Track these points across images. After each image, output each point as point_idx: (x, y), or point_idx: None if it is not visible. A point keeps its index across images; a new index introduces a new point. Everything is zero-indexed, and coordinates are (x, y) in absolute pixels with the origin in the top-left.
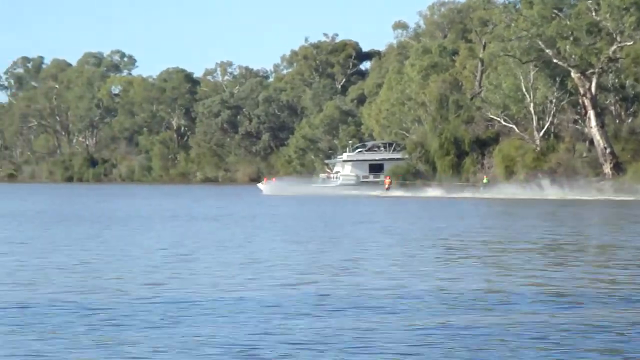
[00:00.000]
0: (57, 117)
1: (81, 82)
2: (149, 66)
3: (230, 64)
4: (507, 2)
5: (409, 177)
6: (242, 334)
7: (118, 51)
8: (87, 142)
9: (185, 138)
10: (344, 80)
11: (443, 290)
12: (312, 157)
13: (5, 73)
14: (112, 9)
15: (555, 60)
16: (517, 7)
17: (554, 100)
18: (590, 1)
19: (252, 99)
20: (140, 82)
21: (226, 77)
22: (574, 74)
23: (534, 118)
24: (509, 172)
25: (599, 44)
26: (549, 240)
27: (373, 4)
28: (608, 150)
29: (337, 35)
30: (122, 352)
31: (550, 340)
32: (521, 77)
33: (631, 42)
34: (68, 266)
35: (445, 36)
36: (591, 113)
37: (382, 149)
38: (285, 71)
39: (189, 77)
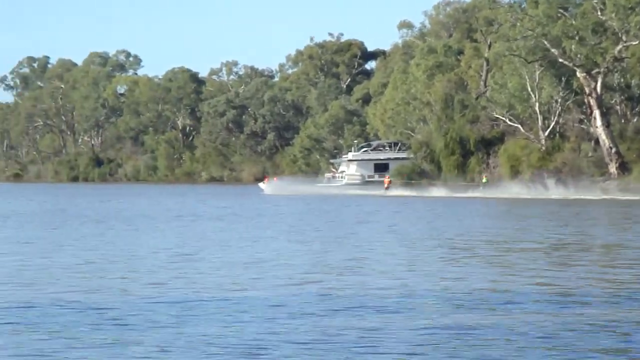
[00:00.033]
0: (63, 117)
1: (87, 82)
2: (155, 66)
3: (235, 64)
4: (512, 1)
5: (414, 176)
6: (247, 333)
7: (123, 51)
8: (93, 142)
9: (191, 138)
10: (349, 79)
11: (448, 290)
12: (318, 156)
13: (11, 73)
14: (118, 8)
15: (560, 60)
16: (523, 6)
17: (559, 100)
18: (595, 1)
19: (258, 99)
20: (146, 82)
21: (231, 77)
22: (579, 74)
23: (540, 118)
24: (515, 172)
25: (605, 44)
26: (554, 240)
27: (378, 4)
28: (613, 150)
29: (342, 34)
30: (127, 352)
31: (555, 340)
32: (526, 77)
33: (637, 42)
34: (73, 266)
35: (450, 36)
36: (597, 113)
37: (387, 148)
38: (290, 71)
39: (194, 77)
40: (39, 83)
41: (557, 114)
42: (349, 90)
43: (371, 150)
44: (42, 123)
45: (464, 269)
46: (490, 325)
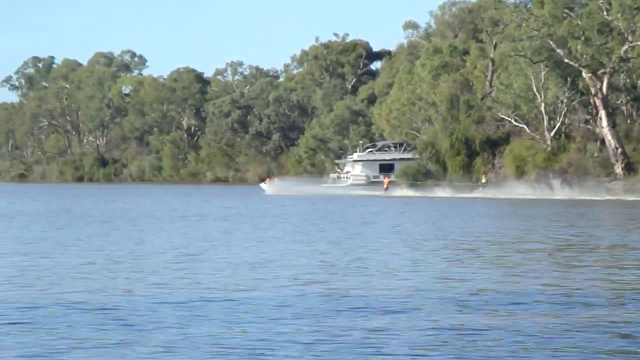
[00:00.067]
0: (68, 117)
1: (92, 82)
2: (160, 66)
3: (240, 64)
4: (518, 1)
5: (419, 177)
6: (252, 334)
7: (129, 51)
8: (98, 142)
9: (196, 138)
10: (354, 80)
11: (453, 291)
12: (323, 157)
13: (16, 73)
14: (123, 9)
15: (566, 60)
16: (528, 6)
17: (565, 100)
18: (601, 1)
19: (263, 99)
20: (151, 82)
21: (236, 77)
22: (585, 74)
23: (545, 118)
24: (520, 173)
25: (611, 44)
26: (558, 240)
27: (383, 4)
28: (619, 151)
29: (347, 35)
30: (132, 352)
31: (560, 342)
32: (532, 77)
33: None
34: (78, 266)
35: (456, 36)
36: (602, 113)
37: (393, 149)
38: (295, 71)
39: (199, 77)
40: (44, 83)
41: (562, 115)
42: (354, 90)
43: (376, 150)
44: (47, 123)
45: (468, 269)
46: (495, 326)
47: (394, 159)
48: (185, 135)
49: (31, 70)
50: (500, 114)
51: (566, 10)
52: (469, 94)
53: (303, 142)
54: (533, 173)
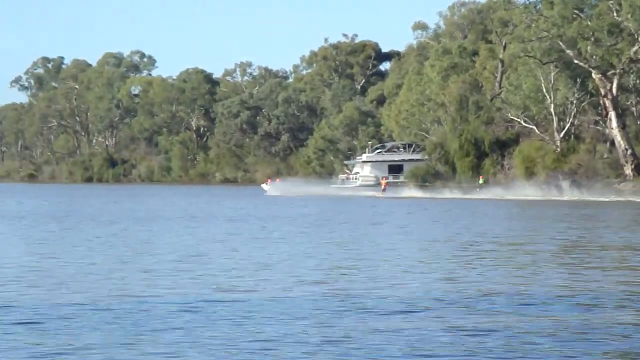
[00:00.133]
0: (77, 118)
1: (101, 83)
2: (169, 67)
3: (249, 65)
4: (527, 2)
5: (428, 178)
6: (259, 335)
7: (138, 51)
8: (107, 143)
9: (205, 138)
10: (363, 80)
11: (461, 292)
12: (332, 157)
13: (26, 73)
14: (132, 9)
15: (576, 61)
16: (538, 7)
17: (574, 101)
18: (611, 1)
19: (272, 100)
20: (160, 83)
21: (245, 78)
22: (595, 75)
23: (555, 119)
24: (529, 173)
25: (620, 45)
26: (567, 242)
27: (393, 5)
28: (629, 152)
29: (356, 35)
30: (138, 353)
31: (571, 344)
32: (542, 78)
33: None
34: (86, 266)
35: (465, 37)
36: (612, 114)
37: (402, 149)
38: (304, 72)
39: (208, 78)
40: (53, 84)
41: (572, 116)
42: (363, 91)
43: (385, 151)
44: (56, 123)
45: (477, 270)
46: (504, 328)
47: (403, 160)
48: (194, 135)
49: (41, 71)
50: (509, 114)
51: (576, 11)
52: (478, 94)
53: (312, 143)
54: (542, 174)
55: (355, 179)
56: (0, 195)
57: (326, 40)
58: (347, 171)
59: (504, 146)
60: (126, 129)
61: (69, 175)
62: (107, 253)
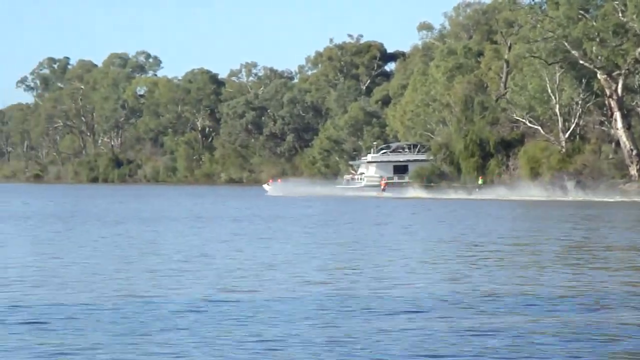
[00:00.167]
0: (83, 118)
1: (107, 83)
2: (174, 67)
3: (255, 65)
4: (532, 3)
5: (433, 178)
6: (267, 334)
7: (143, 52)
8: (113, 143)
9: (210, 139)
10: (368, 81)
11: (466, 292)
12: (337, 158)
13: (32, 74)
14: (138, 10)
15: (581, 62)
16: (543, 8)
17: (579, 102)
18: (616, 2)
19: (277, 100)
20: (165, 83)
21: (251, 78)
22: (600, 76)
23: (560, 119)
24: (534, 174)
25: (626, 45)
26: (572, 242)
27: (398, 5)
28: (634, 152)
29: (361, 36)
30: (146, 353)
31: (577, 345)
32: (547, 79)
33: None
34: (91, 267)
35: (470, 37)
36: (617, 114)
37: (407, 150)
38: (309, 72)
39: (213, 78)
40: (59, 84)
41: (577, 116)
42: (369, 91)
43: (390, 152)
44: (62, 124)
45: (481, 271)
46: (508, 328)
47: (408, 161)
48: (200, 136)
49: (46, 71)
50: (514, 115)
51: (581, 12)
52: (484, 95)
53: (317, 144)
54: (547, 175)
55: (361, 179)
56: (6, 195)
57: (331, 40)
58: (352, 172)
59: (509, 147)
60: (132, 129)
61: (75, 176)
62: (112, 253)
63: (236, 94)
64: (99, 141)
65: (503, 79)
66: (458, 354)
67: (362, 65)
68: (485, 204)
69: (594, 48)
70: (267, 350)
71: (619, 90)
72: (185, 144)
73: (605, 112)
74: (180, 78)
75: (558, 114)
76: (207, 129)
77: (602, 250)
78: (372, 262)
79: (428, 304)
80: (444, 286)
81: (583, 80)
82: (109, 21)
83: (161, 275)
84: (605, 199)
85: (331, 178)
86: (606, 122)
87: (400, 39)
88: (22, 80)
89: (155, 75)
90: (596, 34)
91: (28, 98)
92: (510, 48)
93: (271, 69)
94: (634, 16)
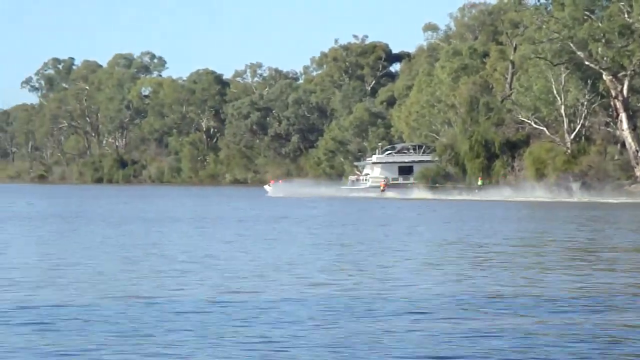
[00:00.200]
0: (88, 119)
1: (111, 84)
2: (179, 68)
3: (259, 66)
4: (538, 4)
5: (438, 179)
6: (272, 335)
7: (148, 52)
8: (117, 143)
9: (215, 139)
10: (373, 82)
11: (471, 294)
12: (342, 159)
13: (36, 74)
14: (143, 10)
15: (586, 63)
16: (549, 9)
17: (585, 103)
18: (622, 3)
19: (282, 101)
20: (170, 84)
21: (256, 79)
22: (605, 77)
23: (565, 120)
24: (540, 175)
25: (631, 46)
26: (577, 243)
27: (403, 6)
28: None
29: (366, 37)
30: (150, 353)
31: (579, 345)
32: (552, 80)
33: None
34: (95, 267)
35: (475, 38)
36: (623, 116)
37: (412, 151)
38: (314, 73)
39: (218, 79)
40: (63, 84)
41: (582, 117)
42: (374, 92)
43: (395, 153)
44: (66, 124)
45: (486, 272)
46: (513, 330)
47: (413, 161)
48: (205, 136)
49: (51, 72)
50: (520, 116)
51: (587, 13)
52: (489, 96)
53: (322, 144)
54: (553, 176)
55: (366, 180)
56: (11, 196)
57: (336, 41)
58: (357, 172)
59: (514, 148)
60: (136, 129)
61: (79, 176)
62: (117, 254)
63: (241, 95)
64: (104, 142)
65: (508, 80)
66: (463, 355)
67: (367, 66)
68: (490, 205)
69: (599, 49)
70: (271, 351)
71: (625, 91)
72: (190, 144)
73: (610, 113)
74: (185, 79)
75: (563, 115)
76: (211, 130)
77: (607, 251)
78: (376, 263)
79: (433, 305)
80: (449, 287)
81: (588, 81)
82: (113, 22)
83: (166, 276)
84: (611, 200)
85: (336, 179)
86: (612, 123)
87: (405, 39)
88: (27, 81)
89: (160, 75)
90: (602, 35)
91: (33, 98)
92: (515, 49)
93: (276, 70)
94: None
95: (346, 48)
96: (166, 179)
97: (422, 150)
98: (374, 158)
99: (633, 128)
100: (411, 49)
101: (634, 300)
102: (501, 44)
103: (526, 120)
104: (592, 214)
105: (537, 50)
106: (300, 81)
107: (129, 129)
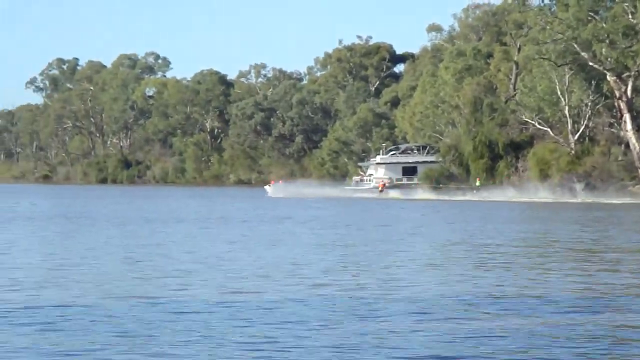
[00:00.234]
0: (92, 119)
1: (116, 84)
2: (183, 68)
3: (264, 66)
4: (542, 4)
5: (442, 180)
6: (276, 336)
7: (152, 53)
8: (121, 144)
9: (219, 140)
10: (377, 82)
11: (474, 294)
12: (345, 159)
13: (41, 75)
14: (147, 11)
15: (590, 63)
16: (553, 9)
17: (589, 104)
18: (626, 4)
19: (286, 101)
20: (174, 84)
21: (260, 79)
22: (609, 77)
23: (569, 121)
24: (544, 176)
25: (635, 47)
26: (580, 244)
27: (407, 7)
28: None
29: (371, 37)
30: (155, 353)
31: (586, 346)
32: (556, 80)
33: None
34: (99, 268)
35: (479, 39)
36: (627, 116)
37: (416, 151)
38: (318, 73)
39: (222, 79)
40: (68, 85)
41: (586, 118)
42: (378, 93)
43: (399, 153)
44: (71, 125)
45: (490, 272)
46: (516, 330)
47: (417, 162)
48: (209, 137)
49: (56, 72)
50: (523, 117)
51: (591, 14)
52: (493, 97)
53: (326, 145)
54: (557, 176)
55: (369, 180)
56: (15, 196)
57: (340, 42)
58: (361, 173)
59: (518, 148)
60: (140, 130)
61: (84, 177)
62: (121, 254)
63: (245, 95)
64: (108, 142)
65: (512, 81)
66: (467, 356)
67: (371, 67)
68: (494, 205)
69: (603, 50)
70: (275, 352)
71: (629, 92)
72: (194, 145)
73: (614, 113)
74: (189, 79)
75: (567, 115)
76: (216, 130)
77: (611, 252)
78: (380, 264)
79: (436, 305)
80: (453, 288)
81: (592, 82)
82: (118, 22)
83: (169, 276)
84: (614, 201)
85: (340, 179)
86: (615, 124)
87: (409, 40)
88: (32, 81)
89: (164, 76)
90: (606, 35)
91: (37, 99)
92: (519, 50)
93: (280, 70)
94: None
95: (350, 49)
96: (170, 180)
97: (426, 151)
98: (378, 159)
99: (637, 129)
100: (415, 50)
101: (637, 300)
102: (505, 44)
103: (530, 121)
104: (595, 215)
105: (541, 50)
106: (304, 82)
107: (133, 130)
